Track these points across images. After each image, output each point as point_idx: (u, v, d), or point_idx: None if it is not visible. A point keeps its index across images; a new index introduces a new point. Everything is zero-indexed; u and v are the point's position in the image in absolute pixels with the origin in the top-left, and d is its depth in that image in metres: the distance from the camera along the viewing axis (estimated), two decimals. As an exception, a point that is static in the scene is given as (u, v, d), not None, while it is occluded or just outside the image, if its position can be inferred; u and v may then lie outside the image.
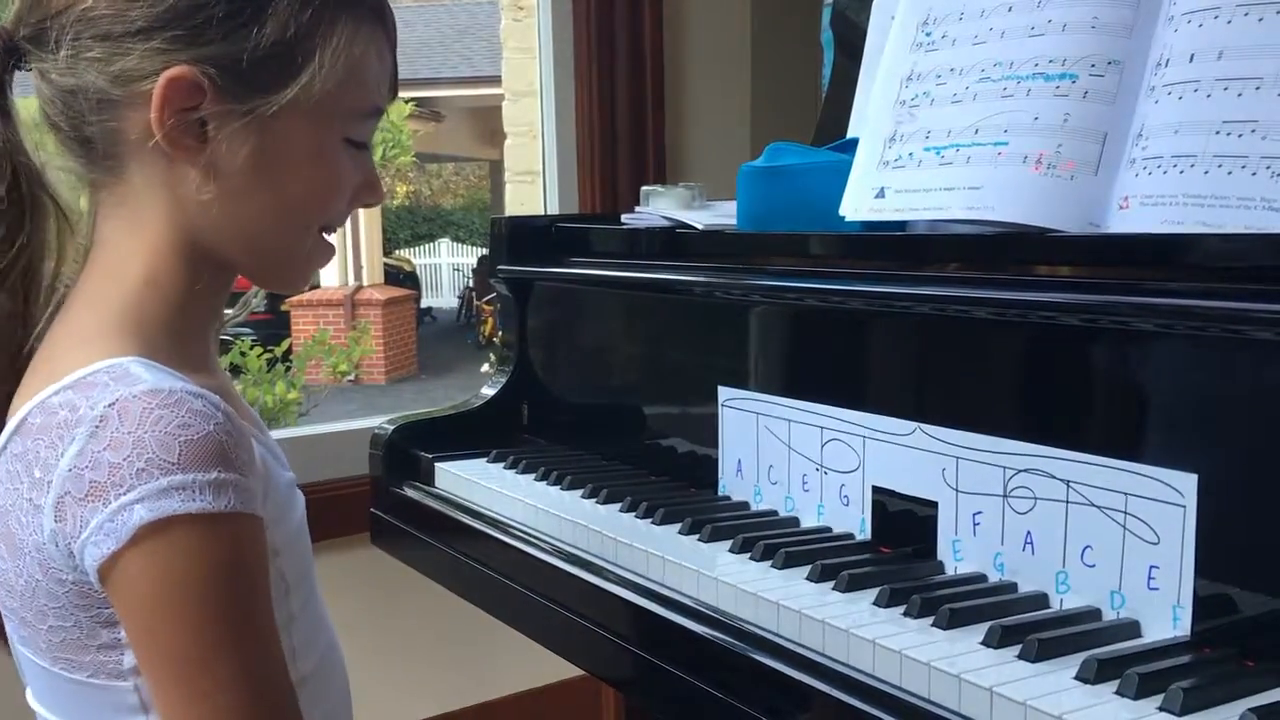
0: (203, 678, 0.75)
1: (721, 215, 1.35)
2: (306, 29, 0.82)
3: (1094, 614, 0.89)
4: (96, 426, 0.74)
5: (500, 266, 1.58)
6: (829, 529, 1.13)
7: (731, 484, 1.25)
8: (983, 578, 0.98)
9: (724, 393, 1.25)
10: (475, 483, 1.38)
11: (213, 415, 0.76)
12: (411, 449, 1.51)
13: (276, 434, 1.23)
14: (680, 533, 1.14)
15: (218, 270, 0.88)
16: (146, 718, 0.80)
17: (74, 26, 0.80)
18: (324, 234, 0.91)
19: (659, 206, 1.44)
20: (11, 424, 0.80)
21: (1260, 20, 0.89)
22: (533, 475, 1.38)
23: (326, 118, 0.85)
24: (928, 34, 1.13)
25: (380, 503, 1.51)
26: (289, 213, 0.86)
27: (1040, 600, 0.93)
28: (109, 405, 0.74)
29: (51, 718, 0.84)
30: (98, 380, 0.77)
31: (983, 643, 0.85)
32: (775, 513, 1.19)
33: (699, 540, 1.12)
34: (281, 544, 0.85)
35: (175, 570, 0.74)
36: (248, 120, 0.81)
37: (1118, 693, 0.76)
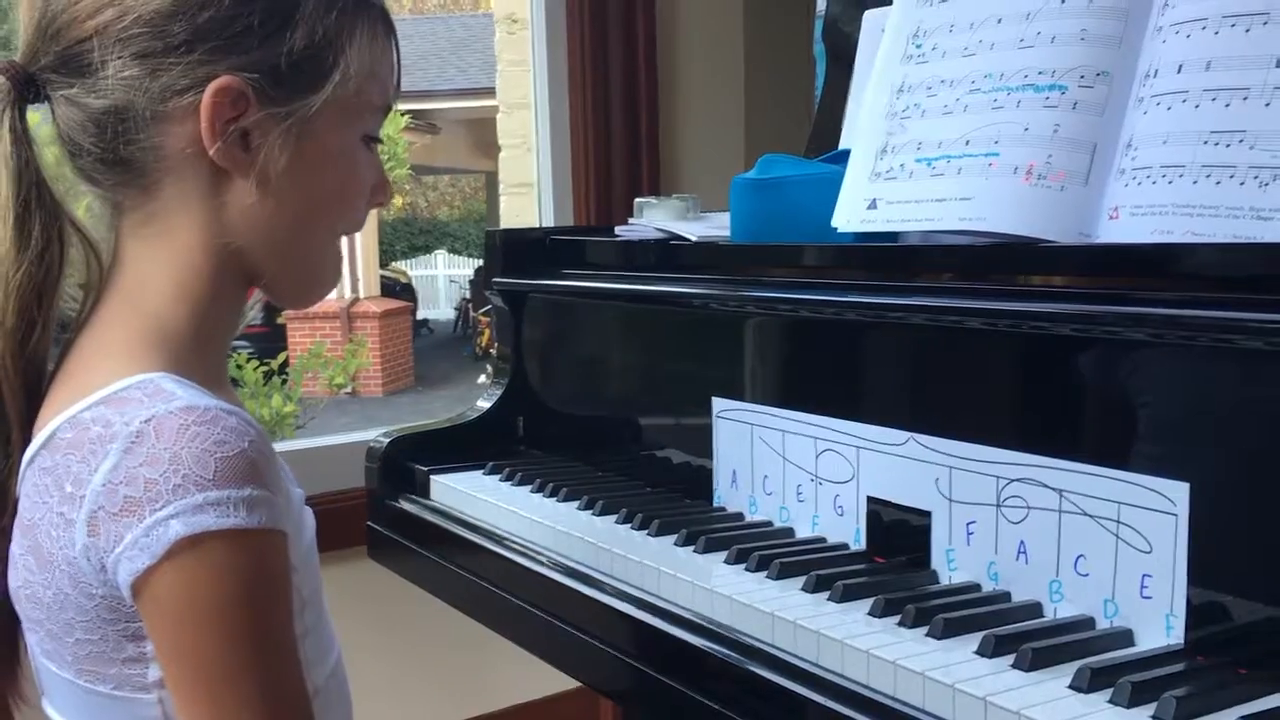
0: (230, 692, 0.76)
1: (715, 227, 1.35)
2: (333, 30, 0.85)
3: (1087, 623, 0.89)
4: (133, 442, 0.75)
5: (495, 279, 1.59)
6: (823, 539, 1.13)
7: (726, 495, 1.25)
8: (976, 587, 0.98)
9: (718, 404, 1.25)
10: (471, 495, 1.38)
11: (246, 432, 0.77)
12: (407, 462, 1.51)
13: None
14: (676, 544, 1.14)
15: (242, 284, 0.89)
16: None
17: (113, 47, 0.80)
18: (342, 234, 0.94)
19: (653, 218, 1.45)
20: (39, 439, 0.81)
21: (1247, 31, 0.90)
22: (528, 487, 1.38)
23: (353, 116, 0.88)
24: (918, 46, 1.14)
25: (376, 516, 1.51)
26: (320, 215, 0.88)
27: (1034, 609, 0.93)
28: (145, 421, 0.75)
29: None
30: (130, 396, 0.77)
31: (976, 652, 0.85)
32: (770, 523, 1.19)
33: (694, 552, 1.12)
34: (297, 560, 0.86)
35: (207, 585, 0.75)
36: (289, 124, 0.83)
37: (1111, 701, 0.76)
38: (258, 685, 0.76)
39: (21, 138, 0.83)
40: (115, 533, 0.74)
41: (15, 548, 0.82)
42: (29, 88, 0.84)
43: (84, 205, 0.88)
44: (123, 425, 0.75)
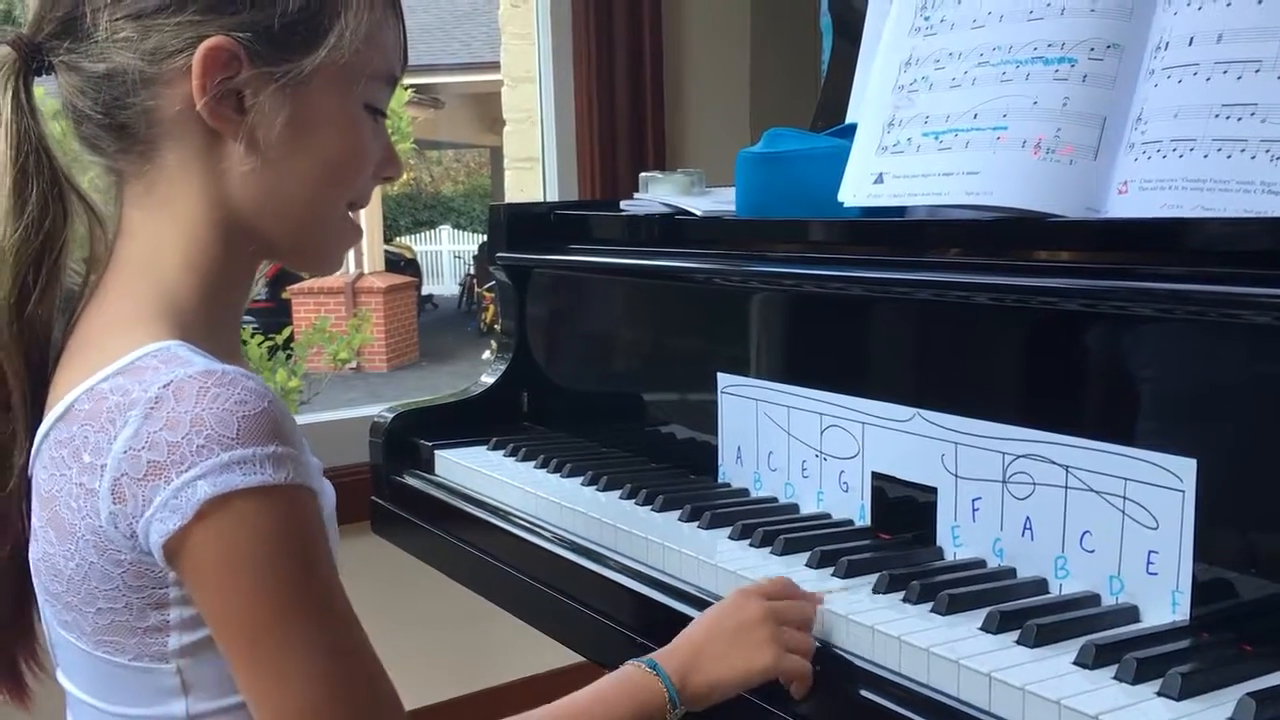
0: (279, 646, 0.76)
1: (721, 201, 1.34)
2: None
3: (1093, 599, 0.89)
4: (152, 408, 0.75)
5: (500, 254, 1.58)
6: (828, 515, 1.13)
7: (731, 471, 1.25)
8: (982, 563, 0.98)
9: (723, 379, 1.25)
10: (475, 470, 1.38)
11: (266, 393, 0.77)
12: (411, 437, 1.51)
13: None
14: (680, 519, 1.14)
15: (251, 252, 0.89)
16: (186, 699, 0.81)
17: (106, 10, 0.81)
18: (351, 211, 0.92)
19: (658, 193, 1.44)
20: (55, 412, 0.81)
21: (1260, 3, 0.89)
22: (533, 463, 1.38)
23: (351, 83, 0.86)
24: (926, 18, 1.13)
25: (381, 491, 1.51)
26: (321, 182, 0.87)
27: (1039, 586, 0.93)
28: (163, 386, 0.75)
29: (87, 699, 0.85)
30: (147, 364, 0.78)
31: (981, 628, 0.85)
32: (775, 499, 1.19)
33: (699, 527, 1.12)
34: None
35: (241, 543, 0.75)
36: (282, 86, 0.83)
37: (1116, 678, 0.76)
38: (306, 636, 0.76)
39: (24, 107, 0.83)
40: (143, 496, 0.75)
41: (35, 520, 0.82)
42: (34, 58, 0.84)
43: (88, 179, 0.88)
44: (141, 392, 0.76)
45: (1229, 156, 0.87)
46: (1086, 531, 0.90)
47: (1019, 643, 0.82)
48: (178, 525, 0.74)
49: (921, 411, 1.02)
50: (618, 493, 1.24)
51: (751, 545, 1.06)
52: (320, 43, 0.83)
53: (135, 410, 0.75)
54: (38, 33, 0.84)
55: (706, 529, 1.11)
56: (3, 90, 0.82)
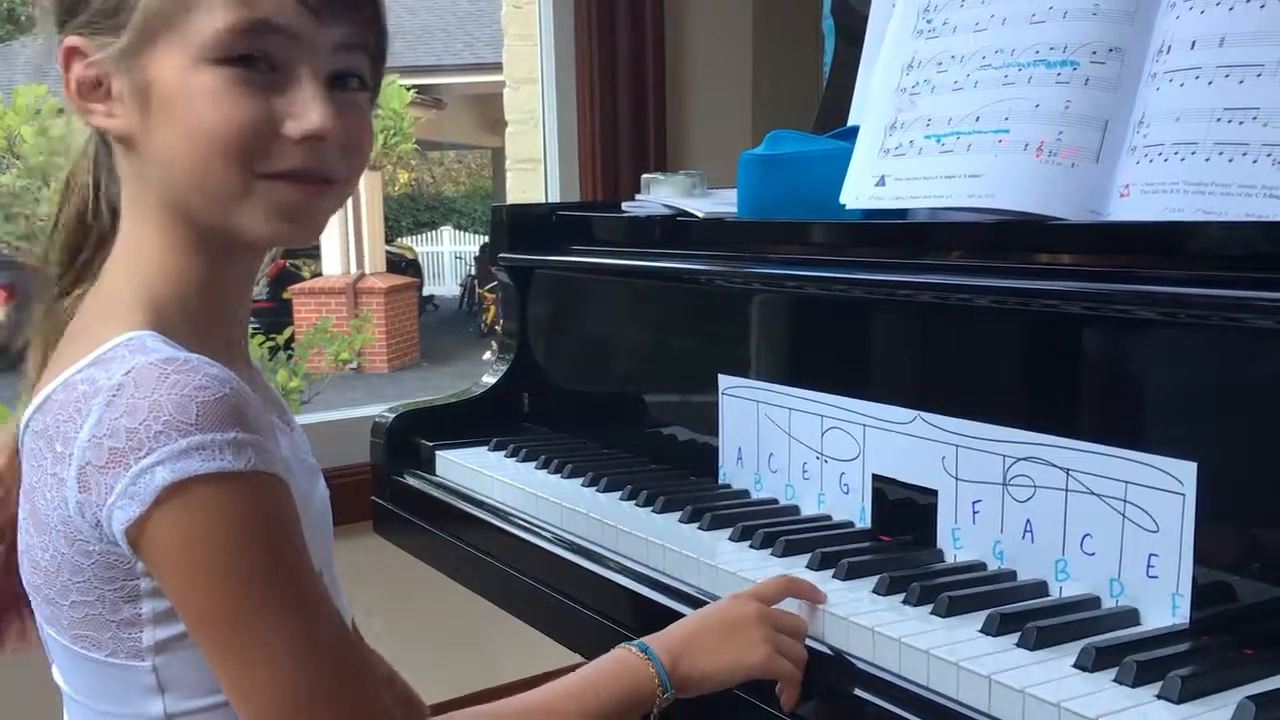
0: (248, 633, 0.75)
1: (722, 203, 1.34)
2: None
3: (1093, 602, 0.89)
4: (113, 395, 0.75)
5: (501, 255, 1.58)
6: (829, 517, 1.13)
7: (732, 472, 1.25)
8: (982, 566, 0.98)
9: (724, 381, 1.25)
10: (476, 471, 1.39)
11: (227, 380, 0.76)
12: (412, 437, 1.51)
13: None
14: (680, 521, 1.14)
15: (203, 238, 0.86)
16: (163, 698, 0.81)
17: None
18: (283, 180, 0.83)
19: (660, 194, 1.44)
20: (35, 403, 0.81)
21: (1262, 7, 0.89)
22: (533, 463, 1.38)
23: (182, 42, 0.80)
24: (929, 21, 1.13)
25: (381, 491, 1.51)
26: (205, 155, 0.81)
27: (1039, 588, 0.93)
28: (125, 374, 0.75)
29: (76, 696, 0.85)
30: (116, 354, 0.78)
31: (981, 630, 0.85)
32: (775, 501, 1.19)
33: (699, 528, 1.12)
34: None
35: (201, 529, 0.74)
36: (118, 65, 0.82)
37: (1116, 680, 0.76)
38: (278, 626, 0.75)
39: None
40: (105, 484, 0.74)
41: (20, 512, 0.83)
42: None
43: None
44: (106, 380, 0.76)
45: (1230, 160, 0.87)
46: (1087, 534, 0.90)
47: (1019, 645, 0.82)
48: (137, 513, 0.74)
49: (922, 414, 1.02)
50: (618, 494, 1.24)
51: (752, 547, 1.06)
52: (126, 15, 0.81)
53: (99, 398, 0.75)
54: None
55: (707, 530, 1.11)
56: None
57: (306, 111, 0.82)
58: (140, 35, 0.81)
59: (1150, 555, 0.86)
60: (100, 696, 0.83)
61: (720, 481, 1.26)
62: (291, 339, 5.85)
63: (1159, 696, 0.74)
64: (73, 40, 0.83)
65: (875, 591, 0.93)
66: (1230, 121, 0.88)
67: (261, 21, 0.80)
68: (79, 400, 0.77)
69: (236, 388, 0.77)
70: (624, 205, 1.48)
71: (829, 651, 0.89)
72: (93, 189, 0.90)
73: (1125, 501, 0.87)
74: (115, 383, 0.75)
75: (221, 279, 0.88)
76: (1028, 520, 0.94)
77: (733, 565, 1.01)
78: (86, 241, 0.90)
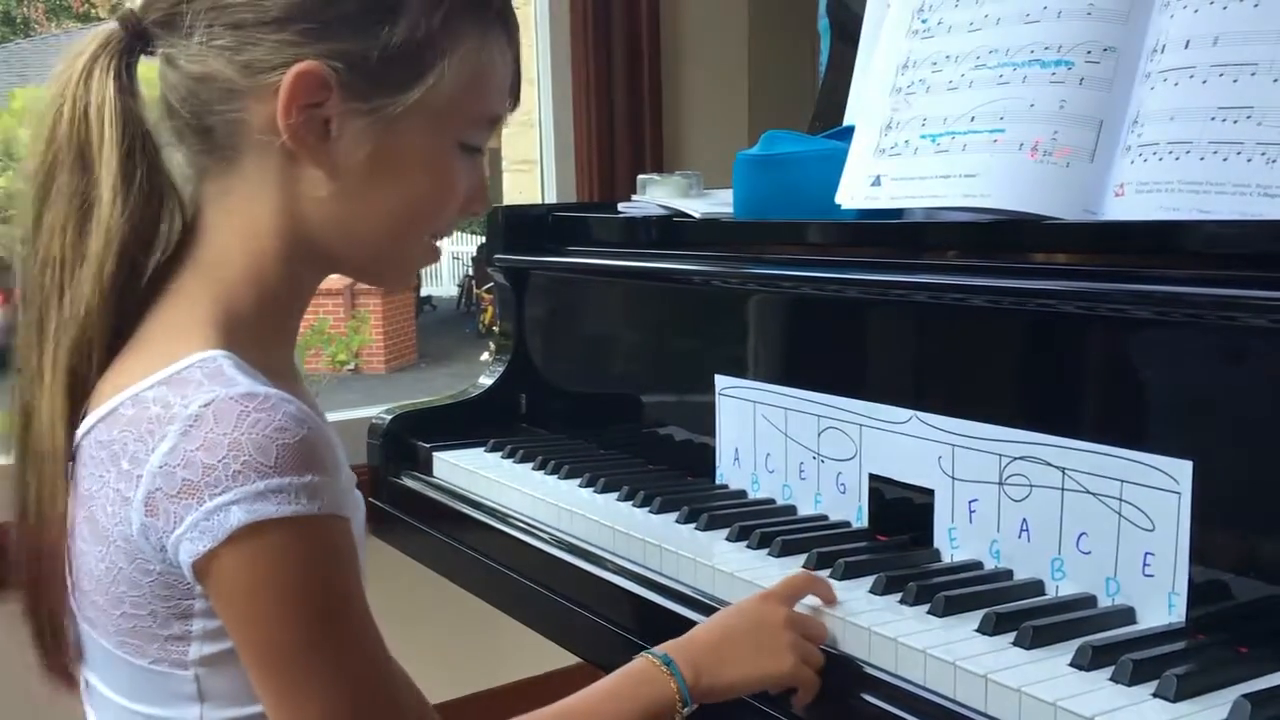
0: (302, 672, 0.75)
1: (718, 203, 1.34)
2: (436, 31, 0.81)
3: (1089, 601, 0.89)
4: (190, 425, 0.74)
5: (498, 256, 1.58)
6: (826, 517, 1.13)
7: (729, 472, 1.25)
8: (978, 565, 0.98)
9: (721, 381, 1.25)
10: (473, 472, 1.39)
11: (306, 419, 0.76)
12: (410, 438, 1.51)
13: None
14: (677, 521, 1.14)
15: (316, 271, 0.87)
16: (201, 706, 0.81)
17: (207, 13, 0.80)
18: (433, 239, 0.90)
19: (656, 195, 1.44)
20: (99, 411, 0.80)
21: (1256, 6, 0.89)
22: (530, 464, 1.38)
23: (447, 123, 0.84)
24: (924, 21, 1.13)
25: (379, 493, 1.51)
26: (402, 217, 0.85)
27: (1035, 587, 0.93)
28: (204, 405, 0.74)
29: (109, 693, 0.85)
30: (190, 377, 0.77)
31: (978, 630, 0.85)
32: (772, 501, 1.19)
33: (696, 529, 1.12)
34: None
35: (271, 570, 0.75)
36: (371, 120, 0.81)
37: (1112, 679, 0.76)
38: (328, 664, 0.76)
39: (126, 87, 0.82)
40: (174, 514, 0.74)
41: (73, 514, 0.82)
42: (140, 39, 0.83)
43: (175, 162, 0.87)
44: (181, 407, 0.75)
45: (1225, 159, 0.87)
46: (1083, 533, 0.90)
47: (1015, 644, 0.82)
48: (208, 547, 0.74)
49: (918, 413, 1.03)
50: (615, 494, 1.24)
51: (749, 547, 1.06)
52: (417, 82, 0.81)
53: (174, 425, 0.74)
54: (146, 14, 0.83)
55: (704, 531, 1.11)
56: (106, 67, 0.81)
57: (486, 194, 0.89)
58: (418, 109, 0.81)
59: (1146, 554, 0.86)
60: (136, 697, 0.83)
61: (717, 482, 1.26)
62: (289, 340, 5.84)
63: (1155, 695, 0.74)
64: (315, 68, 0.79)
65: (872, 591, 0.93)
66: (1225, 120, 0.88)
67: (502, 117, 0.87)
68: (151, 422, 0.76)
69: (314, 427, 0.76)
70: (620, 206, 1.48)
71: (825, 651, 0.89)
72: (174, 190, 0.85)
73: (1121, 500, 0.87)
74: (193, 413, 0.74)
75: (300, 305, 0.88)
76: (1024, 519, 0.94)
77: (730, 565, 1.01)
78: (154, 245, 0.85)
